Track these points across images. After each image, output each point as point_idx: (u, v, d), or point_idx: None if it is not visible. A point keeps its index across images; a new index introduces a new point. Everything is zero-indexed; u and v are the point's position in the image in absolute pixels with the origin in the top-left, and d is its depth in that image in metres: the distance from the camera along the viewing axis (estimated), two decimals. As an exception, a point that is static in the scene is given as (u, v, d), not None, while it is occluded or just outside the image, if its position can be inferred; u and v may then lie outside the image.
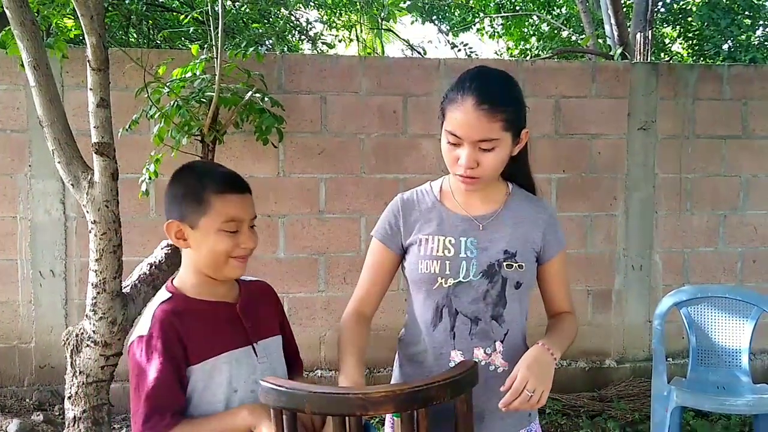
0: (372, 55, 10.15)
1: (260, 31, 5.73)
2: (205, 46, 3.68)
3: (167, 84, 3.22)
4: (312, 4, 7.34)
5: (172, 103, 3.19)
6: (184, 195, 1.50)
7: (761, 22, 8.77)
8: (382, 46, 11.45)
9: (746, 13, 8.48)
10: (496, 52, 11.63)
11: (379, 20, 9.58)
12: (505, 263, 1.62)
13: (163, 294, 1.56)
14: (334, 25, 9.09)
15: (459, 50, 9.40)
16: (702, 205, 4.55)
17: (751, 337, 3.41)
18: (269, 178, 4.18)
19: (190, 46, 3.95)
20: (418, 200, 1.75)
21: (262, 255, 4.15)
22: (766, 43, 8.77)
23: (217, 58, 3.14)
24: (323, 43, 7.47)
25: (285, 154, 4.19)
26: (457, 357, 1.63)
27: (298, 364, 1.83)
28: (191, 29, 4.68)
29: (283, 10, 6.12)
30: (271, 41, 6.34)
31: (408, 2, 9.13)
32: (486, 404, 1.61)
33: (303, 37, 7.47)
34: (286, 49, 7.13)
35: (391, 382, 1.64)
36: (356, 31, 10.21)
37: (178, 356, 1.45)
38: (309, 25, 7.44)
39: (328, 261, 4.28)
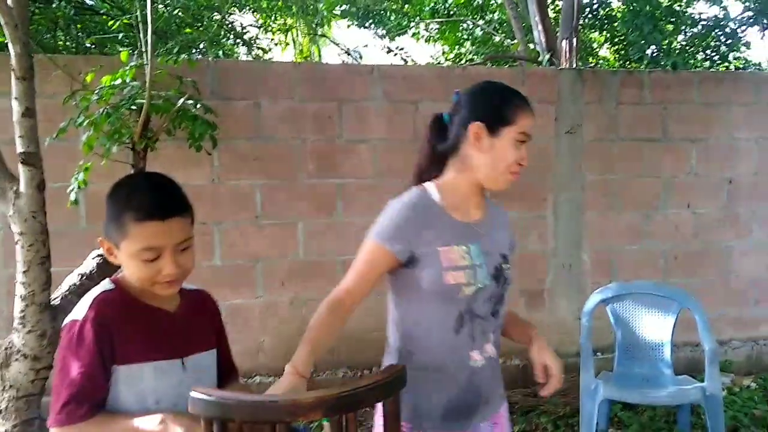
0: (306, 61, 10.14)
1: (193, 35, 5.67)
2: (136, 51, 3.62)
3: (96, 91, 3.17)
4: (247, 8, 7.29)
5: (101, 110, 3.13)
6: (110, 216, 1.47)
7: (683, 29, 9.16)
8: (319, 51, 11.46)
9: (669, 19, 8.84)
10: (431, 57, 11.79)
11: (315, 25, 9.60)
12: (503, 265, 1.76)
13: (106, 284, 1.53)
14: (270, 29, 9.06)
15: (395, 54, 9.51)
16: (627, 205, 4.74)
17: (673, 331, 3.58)
18: (204, 185, 4.15)
19: (120, 50, 3.88)
20: (424, 208, 1.69)
21: (198, 263, 4.11)
22: (687, 48, 9.17)
23: (147, 64, 3.11)
24: (258, 48, 7.44)
25: (219, 161, 4.17)
26: (476, 356, 1.71)
27: (234, 374, 1.82)
28: (121, 34, 4.60)
29: (216, 14, 6.07)
30: (204, 46, 6.28)
31: (342, 7, 9.16)
32: (494, 390, 1.81)
33: (238, 41, 7.41)
34: (221, 53, 7.07)
35: (404, 393, 1.49)
36: (292, 35, 10.21)
37: (106, 350, 1.43)
38: (243, 30, 7.38)
39: (266, 267, 4.28)
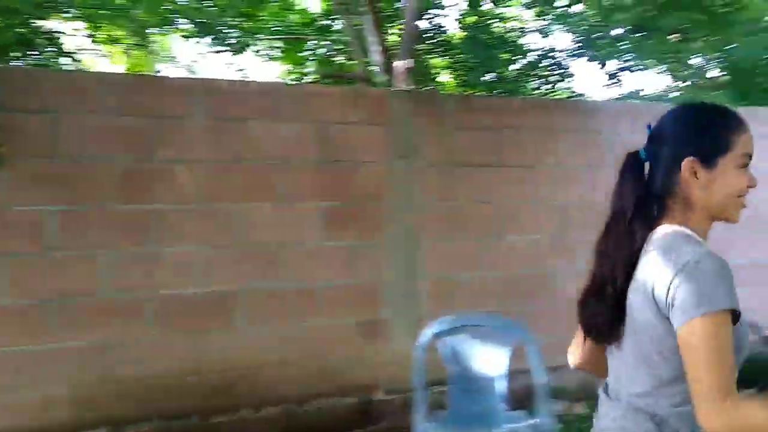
0: (115, 72, 9.47)
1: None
2: None
3: None
4: (62, 13, 6.59)
5: None
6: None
7: (517, 58, 9.53)
8: (151, 64, 10.77)
9: (504, 48, 9.16)
10: (276, 76, 11.47)
11: (147, 37, 8.98)
12: None
13: None
14: (95, 38, 8.34)
15: (234, 71, 9.10)
16: (464, 232, 4.65)
17: (509, 362, 3.47)
18: (-15, 211, 3.53)
19: None
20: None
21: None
22: (521, 77, 9.54)
23: None
24: (73, 58, 6.75)
25: (8, 183, 3.57)
26: None
27: None
28: None
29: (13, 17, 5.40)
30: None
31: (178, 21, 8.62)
32: None
33: (50, 49, 6.69)
34: (30, 62, 6.32)
35: None
36: (122, 47, 9.50)
37: None
38: (56, 37, 6.67)
39: (59, 307, 3.68)
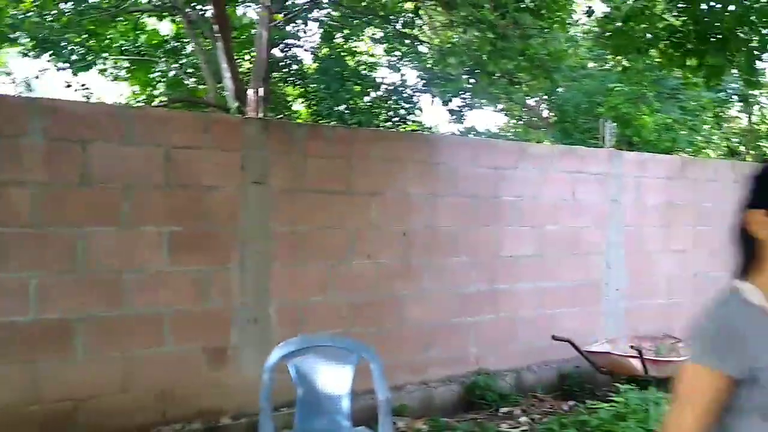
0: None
1: None
2: None
3: None
4: None
5: None
6: None
7: (368, 90, 9.89)
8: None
9: (355, 81, 9.48)
10: (122, 96, 11.07)
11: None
12: None
13: None
14: None
15: (75, 90, 8.71)
16: (314, 257, 4.77)
17: (352, 381, 3.60)
18: None
19: None
20: (745, 315, 1.42)
21: None
22: (372, 108, 9.90)
23: None
24: None
25: None
26: None
27: None
28: None
29: None
30: None
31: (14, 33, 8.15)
32: None
33: None
34: None
35: None
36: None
37: None
38: None
39: None
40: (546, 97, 8.06)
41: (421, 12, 7.31)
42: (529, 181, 5.76)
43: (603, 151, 6.40)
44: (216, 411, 4.37)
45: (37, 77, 9.39)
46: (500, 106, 9.60)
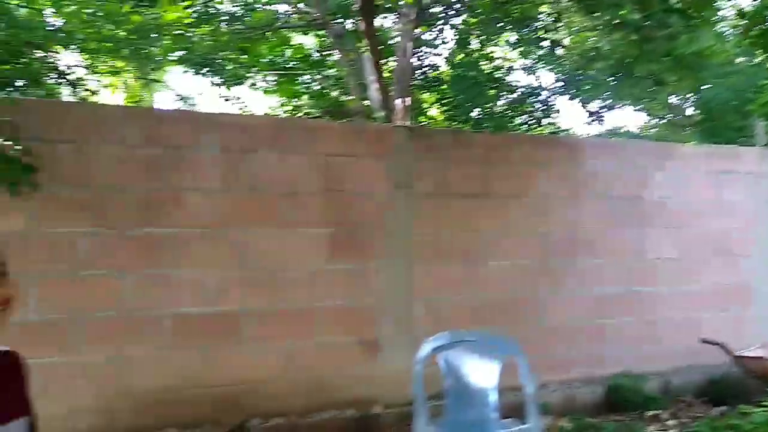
0: (138, 106, 9.78)
1: (10, 72, 5.26)
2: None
3: None
4: (72, 47, 6.90)
5: None
6: None
7: (503, 94, 9.96)
8: (151, 95, 11.08)
9: (491, 85, 9.58)
10: (269, 108, 11.82)
11: (148, 70, 9.29)
12: None
13: None
14: (98, 70, 8.63)
15: (232, 103, 9.43)
16: (455, 258, 4.99)
17: (499, 376, 3.77)
18: (19, 231, 3.81)
19: None
20: None
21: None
22: (507, 112, 9.95)
23: (-44, 101, 2.85)
24: (86, 90, 7.05)
25: (40, 207, 3.86)
26: None
27: None
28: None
29: (38, 51, 5.69)
30: (22, 84, 5.85)
31: (179, 53, 8.97)
32: None
33: (62, 81, 6.98)
34: (42, 93, 6.61)
35: None
36: (122, 78, 9.79)
37: None
38: (69, 70, 6.98)
39: (84, 322, 3.97)
40: (691, 95, 7.80)
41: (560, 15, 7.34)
42: (674, 182, 5.67)
43: (753, 150, 6.16)
44: (367, 400, 4.68)
45: (201, 93, 10.23)
46: (641, 106, 9.36)
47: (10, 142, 3.17)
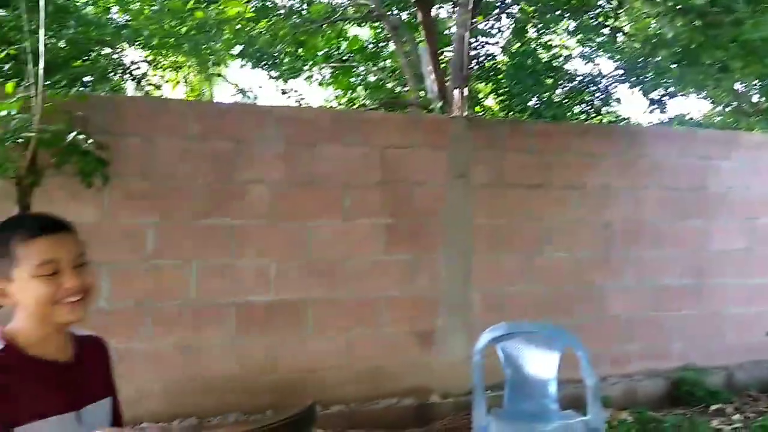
0: (202, 100, 10.01)
1: (81, 69, 5.48)
2: (22, 84, 3.47)
3: (-23, 123, 3.01)
4: (136, 43, 7.13)
5: (-17, 143, 2.97)
6: None
7: (561, 83, 9.81)
8: (211, 90, 11.33)
9: (548, 74, 9.45)
10: (325, 100, 11.94)
11: (209, 64, 9.51)
12: None
13: None
14: (160, 65, 8.88)
15: (289, 96, 9.57)
16: (512, 248, 4.97)
17: (558, 368, 3.75)
18: (92, 222, 3.98)
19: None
20: None
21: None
22: (565, 101, 9.81)
23: (36, 96, 3.00)
24: (149, 84, 7.28)
25: (110, 199, 4.02)
26: None
27: (120, 422, 1.75)
28: (6, 66, 4.39)
29: (106, 48, 5.92)
30: (91, 80, 6.08)
31: (239, 48, 9.15)
32: None
33: (127, 76, 7.23)
34: (108, 88, 6.86)
35: None
36: (184, 73, 10.05)
37: (4, 415, 1.36)
38: (134, 65, 7.22)
39: (155, 310, 4.12)
40: (757, 81, 7.54)
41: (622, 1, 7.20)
42: (740, 172, 5.51)
43: (826, 138, 5.93)
44: (425, 389, 4.72)
45: (261, 87, 10.40)
46: (704, 93, 9.09)
47: (83, 136, 3.30)
